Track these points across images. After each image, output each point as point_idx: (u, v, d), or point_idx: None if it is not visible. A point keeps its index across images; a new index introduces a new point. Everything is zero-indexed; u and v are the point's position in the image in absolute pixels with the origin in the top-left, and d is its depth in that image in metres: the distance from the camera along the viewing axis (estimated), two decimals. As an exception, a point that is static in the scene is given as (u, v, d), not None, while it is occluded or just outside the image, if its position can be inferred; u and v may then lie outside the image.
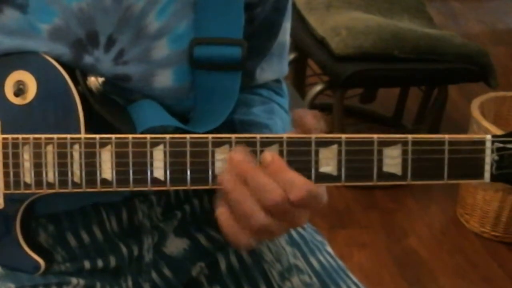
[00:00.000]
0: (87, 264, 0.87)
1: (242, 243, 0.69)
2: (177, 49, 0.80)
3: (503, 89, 2.38)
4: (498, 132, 0.72)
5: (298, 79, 2.71)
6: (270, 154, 0.69)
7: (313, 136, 0.70)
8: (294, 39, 2.38)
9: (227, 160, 0.69)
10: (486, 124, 2.06)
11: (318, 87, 2.36)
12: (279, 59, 0.93)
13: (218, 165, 0.71)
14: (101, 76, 0.77)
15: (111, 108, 0.77)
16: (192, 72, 0.81)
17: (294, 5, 2.26)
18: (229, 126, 0.85)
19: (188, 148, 0.71)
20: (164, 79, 0.80)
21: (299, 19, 2.45)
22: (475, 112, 2.14)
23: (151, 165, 0.72)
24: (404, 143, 0.70)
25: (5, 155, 0.73)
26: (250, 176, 0.68)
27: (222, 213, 0.69)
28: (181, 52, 0.80)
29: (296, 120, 0.72)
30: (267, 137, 0.71)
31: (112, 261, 0.88)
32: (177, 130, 0.80)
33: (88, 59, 0.77)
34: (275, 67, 0.93)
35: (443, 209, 2.39)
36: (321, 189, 0.69)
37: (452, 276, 2.10)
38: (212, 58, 0.80)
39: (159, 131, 0.73)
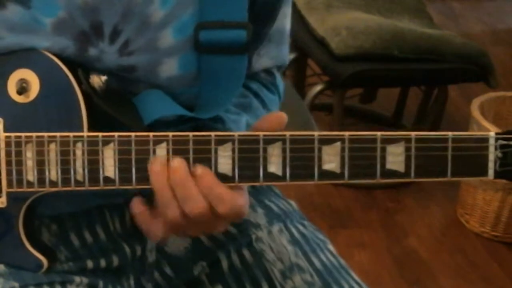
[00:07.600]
0: (90, 264, 0.86)
1: (154, 235, 0.76)
2: (182, 36, 0.79)
3: (503, 89, 2.38)
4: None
5: (298, 79, 2.71)
6: (200, 168, 0.71)
7: (316, 133, 0.70)
8: (294, 39, 2.37)
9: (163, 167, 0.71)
10: (486, 124, 2.06)
11: (318, 87, 2.36)
12: (278, 46, 0.92)
13: (221, 161, 0.71)
14: (106, 68, 0.77)
15: (115, 103, 0.77)
16: (198, 58, 0.80)
17: (294, 5, 2.26)
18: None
19: (191, 146, 0.71)
20: (170, 68, 0.80)
21: (299, 19, 2.45)
22: (475, 112, 2.14)
23: None
24: (408, 140, 0.70)
25: (8, 153, 0.73)
26: (181, 184, 0.71)
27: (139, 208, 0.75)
28: (186, 39, 0.79)
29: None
30: (270, 135, 0.71)
31: (115, 261, 0.88)
32: (180, 118, 0.80)
33: (92, 51, 0.77)
34: (273, 53, 0.92)
35: (443, 209, 2.39)
36: (246, 201, 0.74)
37: (452, 276, 2.10)
38: (218, 42, 0.79)
39: (163, 120, 0.73)
